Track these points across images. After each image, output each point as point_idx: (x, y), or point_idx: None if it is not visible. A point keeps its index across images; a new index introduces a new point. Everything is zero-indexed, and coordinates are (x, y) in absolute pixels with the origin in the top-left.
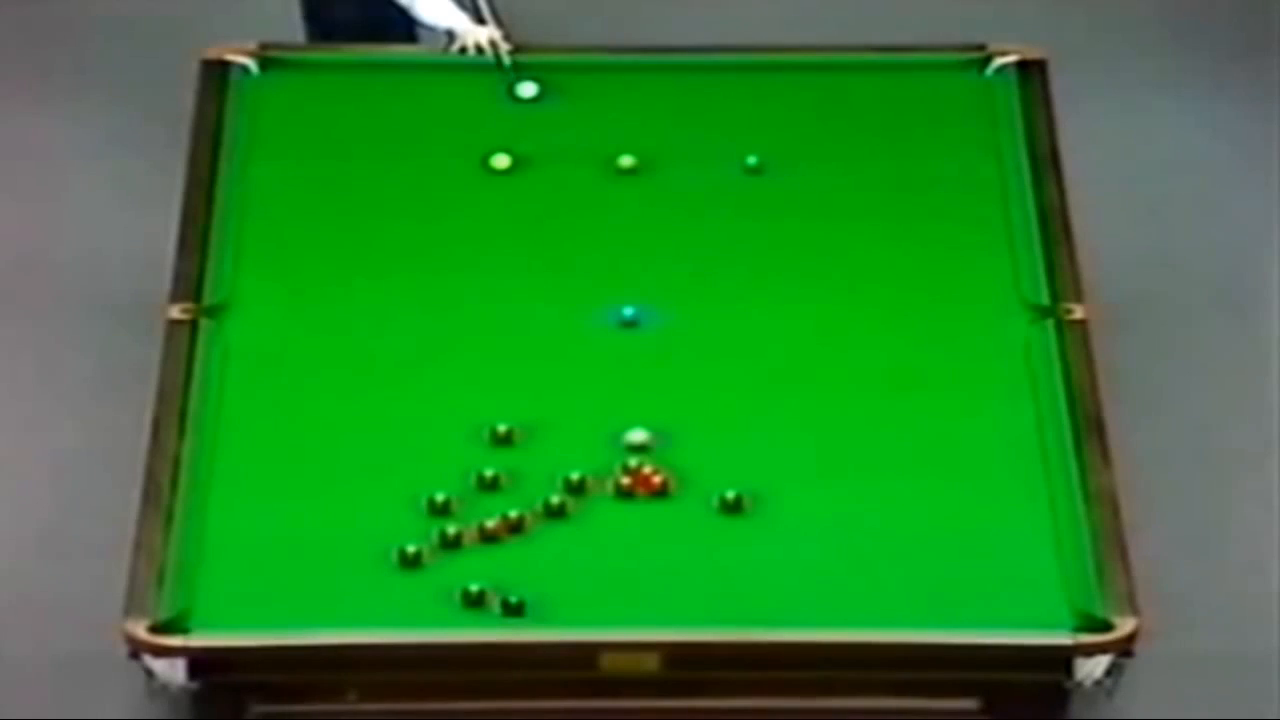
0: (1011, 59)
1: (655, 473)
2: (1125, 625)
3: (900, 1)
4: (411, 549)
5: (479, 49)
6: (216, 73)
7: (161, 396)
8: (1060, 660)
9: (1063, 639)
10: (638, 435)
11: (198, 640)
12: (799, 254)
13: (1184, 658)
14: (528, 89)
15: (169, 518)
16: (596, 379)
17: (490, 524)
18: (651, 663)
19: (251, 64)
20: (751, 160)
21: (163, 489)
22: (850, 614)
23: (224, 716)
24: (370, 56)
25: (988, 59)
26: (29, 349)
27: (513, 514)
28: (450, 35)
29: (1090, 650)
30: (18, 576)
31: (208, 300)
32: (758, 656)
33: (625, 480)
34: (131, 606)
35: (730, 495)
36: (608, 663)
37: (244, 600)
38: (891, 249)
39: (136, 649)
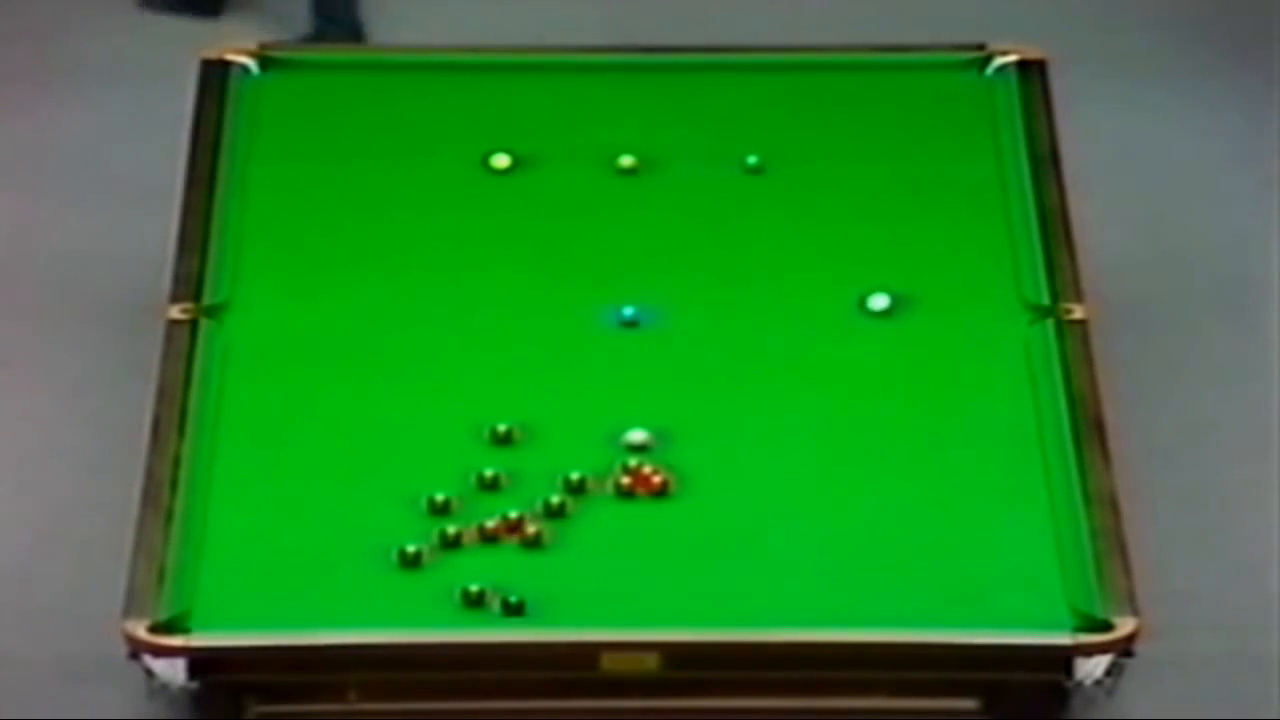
0: (1011, 59)
1: (655, 473)
2: (1125, 625)
3: (900, 1)
4: (411, 549)
5: None
6: (216, 73)
7: (161, 396)
8: (1060, 660)
9: (1063, 639)
10: (638, 435)
11: (198, 640)
12: (799, 254)
13: (1184, 658)
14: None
15: (169, 518)
16: (596, 379)
17: (490, 524)
18: (651, 663)
19: (251, 64)
20: (752, 160)
21: (163, 489)
22: (850, 614)
23: (224, 716)
24: (370, 57)
25: (988, 59)
26: (28, 349)
27: (513, 514)
28: None
29: (1090, 650)
30: (18, 576)
31: (208, 300)
32: (758, 656)
33: (625, 480)
34: (131, 606)
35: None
36: (608, 663)
37: (244, 600)
38: (891, 249)
39: (136, 649)
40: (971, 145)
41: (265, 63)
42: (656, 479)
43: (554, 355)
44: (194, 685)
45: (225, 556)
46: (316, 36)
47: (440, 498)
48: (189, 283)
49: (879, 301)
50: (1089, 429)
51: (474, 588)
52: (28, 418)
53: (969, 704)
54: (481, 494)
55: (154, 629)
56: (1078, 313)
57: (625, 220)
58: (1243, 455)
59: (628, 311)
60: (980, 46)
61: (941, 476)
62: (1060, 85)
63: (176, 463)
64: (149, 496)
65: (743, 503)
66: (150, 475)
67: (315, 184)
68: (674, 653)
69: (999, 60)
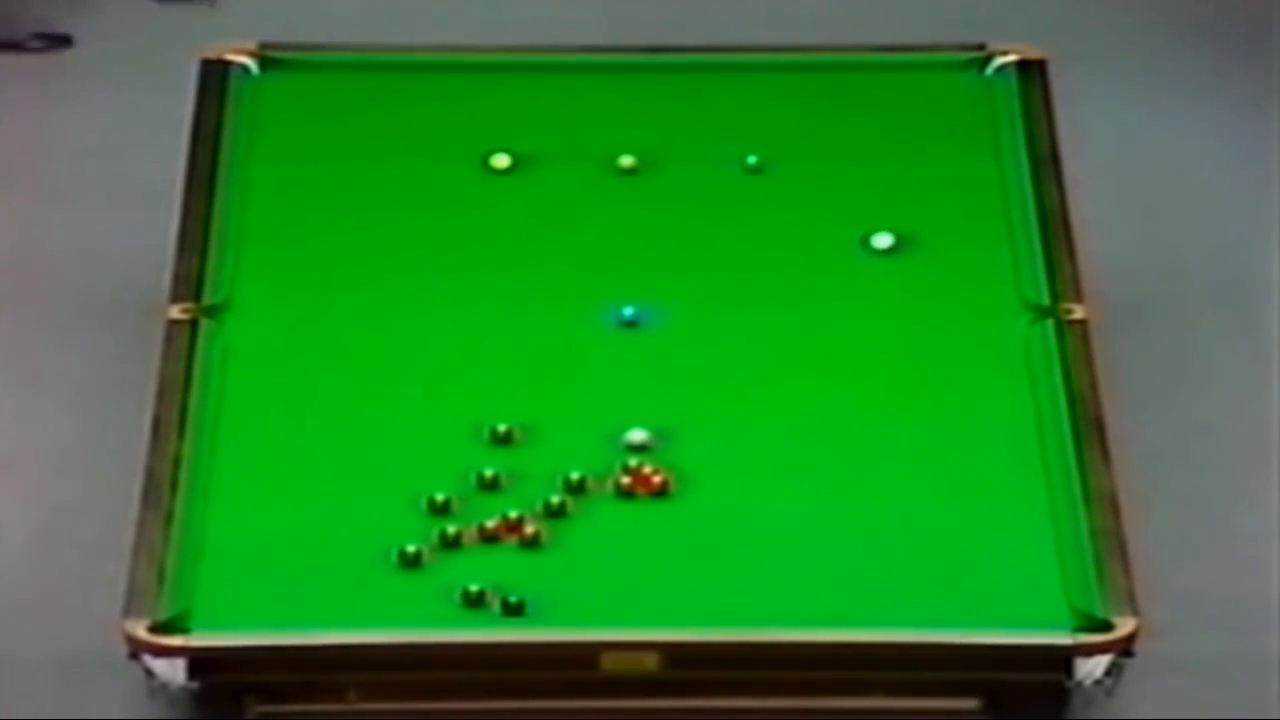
0: (1011, 59)
1: (655, 473)
2: (1125, 625)
3: (900, 1)
4: (411, 549)
5: None
6: (216, 73)
7: (161, 396)
8: (1060, 660)
9: (1063, 639)
10: (638, 435)
11: (198, 640)
12: (799, 254)
13: (1184, 658)
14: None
15: (169, 518)
16: (596, 379)
17: (490, 524)
18: (651, 663)
19: (251, 64)
20: (751, 160)
21: (163, 489)
22: (850, 614)
23: (224, 716)
24: (370, 57)
25: (988, 59)
26: (28, 348)
27: (512, 514)
28: None
29: (1090, 650)
30: (17, 576)
31: (208, 300)
32: (758, 656)
33: (625, 480)
34: (131, 606)
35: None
36: (608, 663)
37: (244, 600)
38: (891, 248)
39: (136, 649)
40: (971, 145)
41: (265, 63)
42: (656, 479)
43: (554, 355)
44: (194, 685)
45: (225, 556)
46: None
47: (440, 498)
48: (189, 283)
49: (883, 239)
50: (1089, 429)
51: (474, 588)
52: (28, 417)
53: (969, 704)
54: (481, 494)
55: (154, 629)
56: (1078, 313)
57: (625, 220)
58: (1243, 455)
59: (628, 311)
60: (980, 46)
61: (942, 476)
62: (1060, 85)
63: (176, 463)
64: (149, 496)
65: (743, 502)
66: (150, 475)
67: (315, 184)
68: (674, 653)
69: (999, 60)
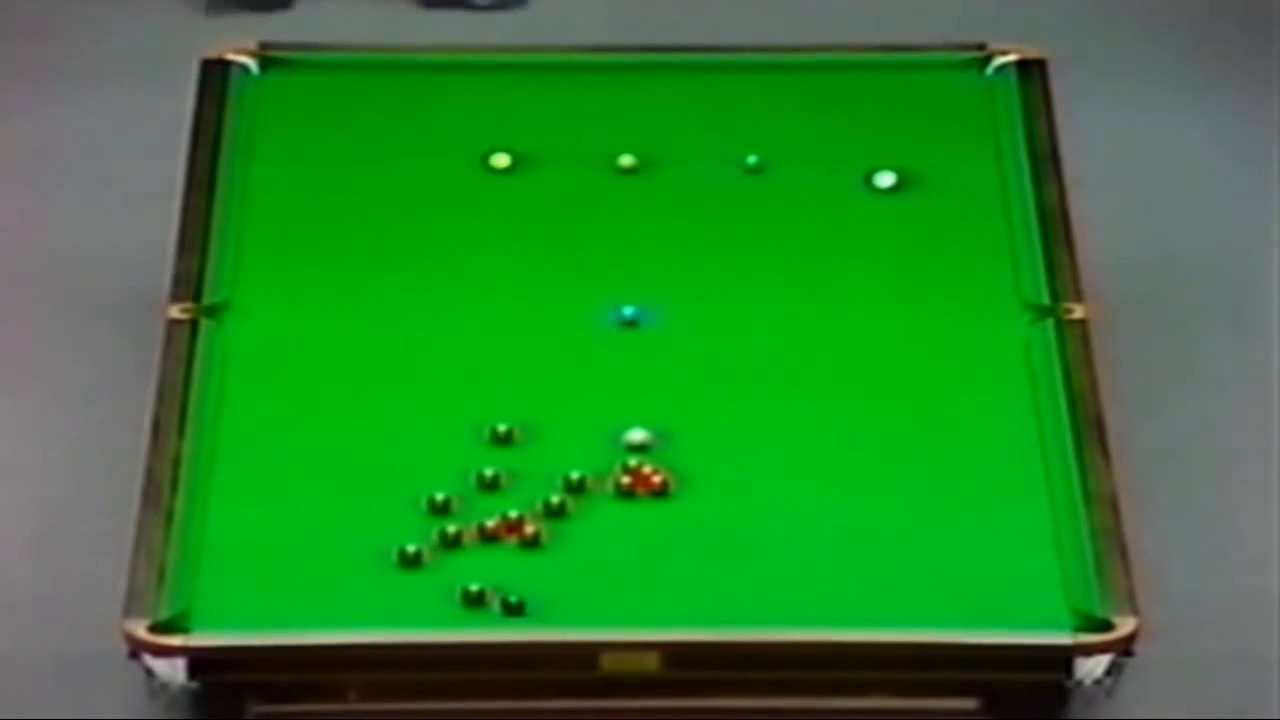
0: (1011, 59)
1: (655, 473)
2: (1125, 625)
3: (900, 1)
4: (411, 549)
5: None
6: (216, 73)
7: (161, 396)
8: (1060, 660)
9: (1063, 639)
10: (638, 435)
11: (198, 640)
12: (799, 254)
13: (1184, 658)
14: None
15: (169, 518)
16: (596, 379)
17: (490, 524)
18: (651, 663)
19: (251, 64)
20: (751, 160)
21: (163, 489)
22: (850, 614)
23: (224, 716)
24: (370, 57)
25: (988, 59)
26: (28, 349)
27: (512, 514)
28: None
29: (1090, 650)
30: (18, 576)
31: (208, 300)
32: (758, 656)
33: (625, 480)
34: (131, 606)
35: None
36: (608, 663)
37: (244, 600)
38: (891, 248)
39: (136, 649)
40: (971, 145)
41: (265, 63)
42: (656, 479)
43: (554, 355)
44: (194, 685)
45: (225, 556)
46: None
47: (440, 498)
48: (189, 283)
49: (885, 178)
50: (1089, 429)
51: (474, 587)
52: (27, 417)
53: (969, 704)
54: (481, 494)
55: (154, 629)
56: (1078, 313)
57: (625, 220)
58: (1242, 454)
59: (628, 311)
60: (980, 46)
61: (942, 477)
62: (1060, 85)
63: (176, 463)
64: (149, 496)
65: (743, 503)
66: (150, 475)
67: (315, 184)
68: (674, 653)
69: (999, 60)
